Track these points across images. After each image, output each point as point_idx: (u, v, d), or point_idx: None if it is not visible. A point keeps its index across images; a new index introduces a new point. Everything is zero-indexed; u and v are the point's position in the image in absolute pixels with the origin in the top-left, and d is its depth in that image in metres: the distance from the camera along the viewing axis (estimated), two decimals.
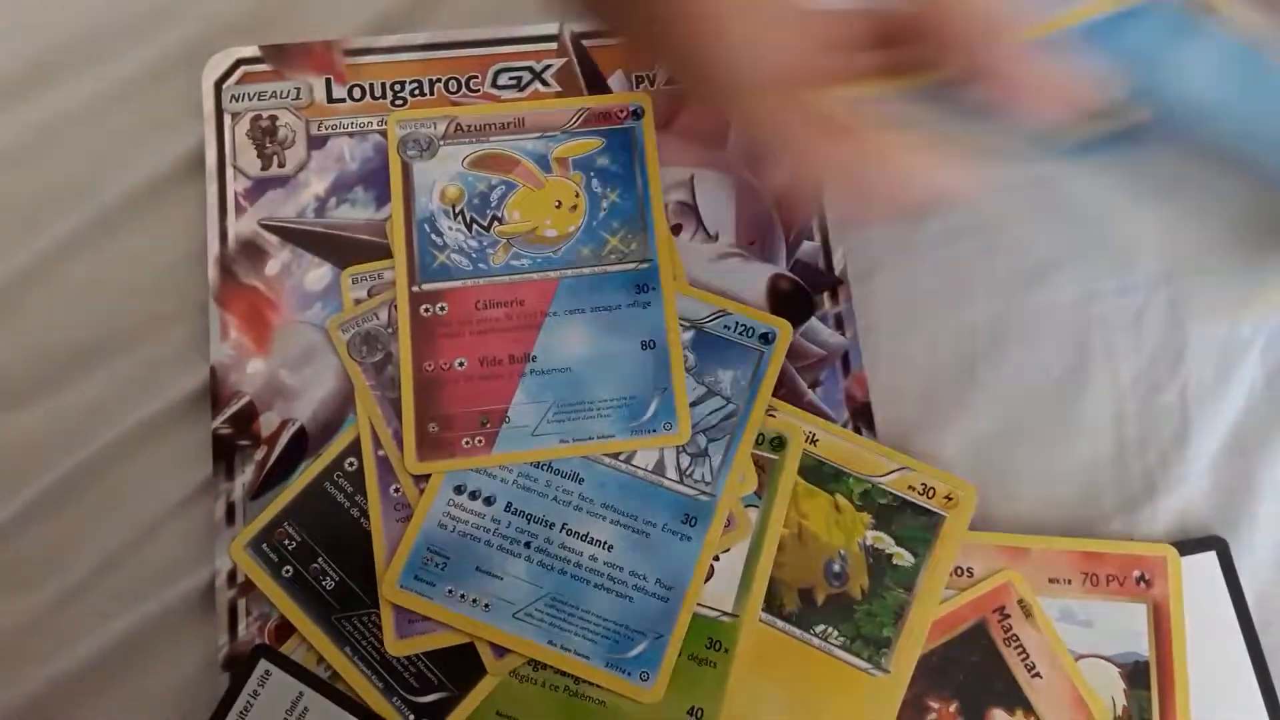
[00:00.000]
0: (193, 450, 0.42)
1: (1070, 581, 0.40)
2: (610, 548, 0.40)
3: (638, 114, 0.46)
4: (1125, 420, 0.43)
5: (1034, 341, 0.44)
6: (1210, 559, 0.40)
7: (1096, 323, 0.44)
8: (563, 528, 0.40)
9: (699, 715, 0.39)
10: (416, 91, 0.46)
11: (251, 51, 0.46)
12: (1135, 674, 0.39)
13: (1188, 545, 0.40)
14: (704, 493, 0.41)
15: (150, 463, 0.42)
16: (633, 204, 0.44)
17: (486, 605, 0.39)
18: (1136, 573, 0.40)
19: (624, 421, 0.41)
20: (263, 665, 0.39)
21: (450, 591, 0.40)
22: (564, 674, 0.39)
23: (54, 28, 0.47)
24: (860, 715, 0.39)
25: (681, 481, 0.41)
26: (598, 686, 0.39)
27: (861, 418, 0.43)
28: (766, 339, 0.43)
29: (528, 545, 0.40)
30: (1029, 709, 0.39)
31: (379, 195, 0.45)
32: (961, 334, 0.44)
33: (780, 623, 0.40)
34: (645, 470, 0.41)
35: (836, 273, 0.44)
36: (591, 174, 0.45)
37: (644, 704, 0.38)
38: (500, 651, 0.39)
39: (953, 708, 0.39)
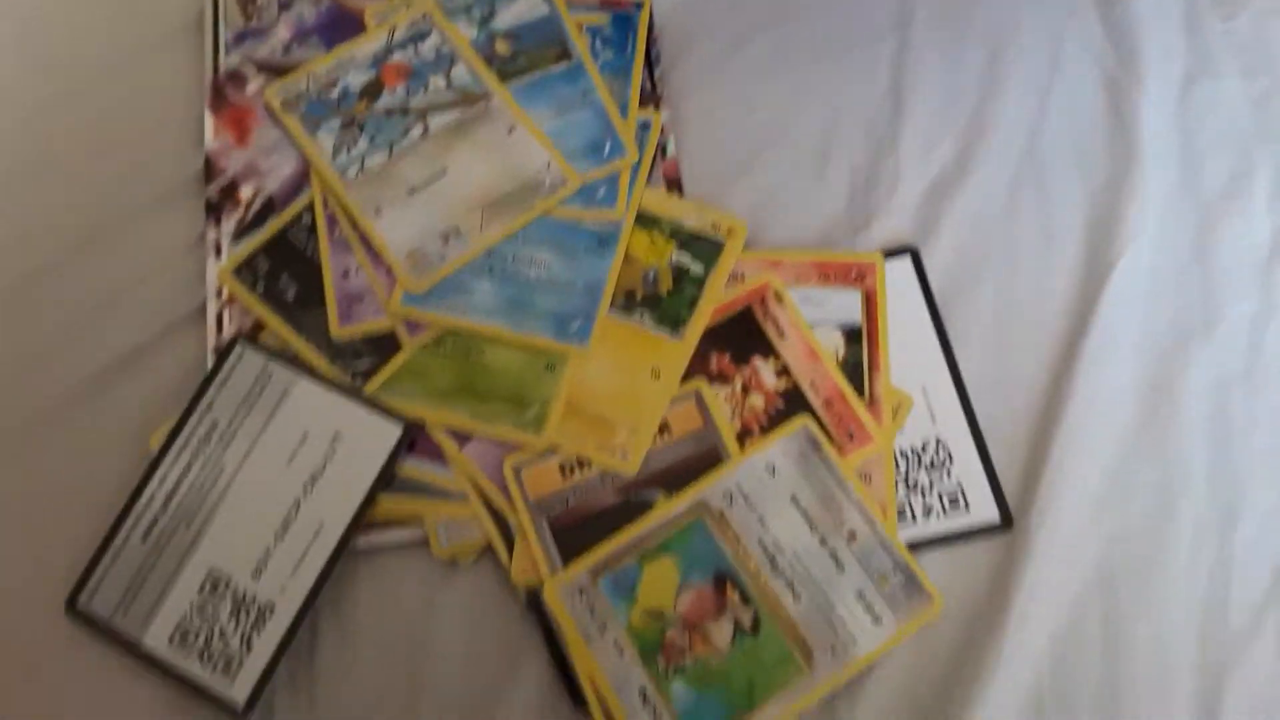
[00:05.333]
0: (192, 214, 0.59)
1: (810, 280, 0.57)
2: (549, 266, 0.57)
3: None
4: (857, 172, 0.61)
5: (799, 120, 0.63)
6: (906, 262, 0.58)
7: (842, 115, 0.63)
8: (513, 258, 0.57)
9: (552, 368, 0.55)
10: None
11: None
12: (852, 334, 0.56)
13: (890, 253, 0.58)
14: (611, 222, 0.58)
15: (161, 221, 0.59)
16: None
17: (465, 311, 0.56)
18: (854, 271, 0.58)
19: (583, 158, 0.59)
20: (240, 347, 0.56)
21: (438, 303, 0.56)
22: (460, 347, 0.56)
23: None
24: (664, 364, 0.55)
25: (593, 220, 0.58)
26: (542, 351, 0.55)
27: (675, 186, 0.60)
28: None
29: (490, 271, 0.57)
30: (778, 355, 0.56)
31: (328, 40, 0.62)
32: (751, 128, 0.62)
33: (611, 311, 0.57)
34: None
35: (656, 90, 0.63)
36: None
37: (574, 353, 0.55)
38: (413, 331, 0.56)
39: (727, 357, 0.56)
